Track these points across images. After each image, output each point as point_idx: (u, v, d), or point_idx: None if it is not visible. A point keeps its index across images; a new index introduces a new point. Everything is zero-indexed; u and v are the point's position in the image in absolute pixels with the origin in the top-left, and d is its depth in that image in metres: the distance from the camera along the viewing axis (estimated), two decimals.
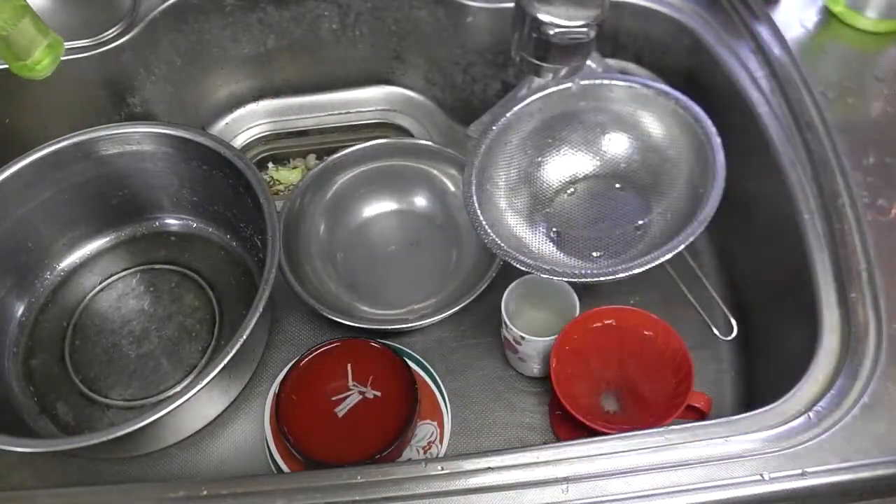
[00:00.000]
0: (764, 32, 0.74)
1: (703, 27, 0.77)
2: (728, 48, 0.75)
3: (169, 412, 0.57)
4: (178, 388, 0.71)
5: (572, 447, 0.51)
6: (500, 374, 0.71)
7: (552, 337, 0.63)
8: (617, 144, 0.72)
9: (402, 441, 0.62)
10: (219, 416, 0.69)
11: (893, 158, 0.64)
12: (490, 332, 0.73)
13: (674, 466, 0.50)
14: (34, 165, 0.71)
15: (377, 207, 0.82)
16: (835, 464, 0.49)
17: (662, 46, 0.81)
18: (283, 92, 0.95)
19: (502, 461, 0.50)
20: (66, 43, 0.76)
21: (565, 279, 0.62)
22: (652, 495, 0.49)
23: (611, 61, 0.83)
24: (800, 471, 0.49)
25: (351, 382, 0.66)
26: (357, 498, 0.49)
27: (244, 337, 0.60)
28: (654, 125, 0.69)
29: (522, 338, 0.64)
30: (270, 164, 0.97)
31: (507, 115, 0.69)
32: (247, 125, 0.96)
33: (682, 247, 0.59)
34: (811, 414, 0.51)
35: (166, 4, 0.81)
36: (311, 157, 0.97)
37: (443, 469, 0.50)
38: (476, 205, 0.66)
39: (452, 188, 0.81)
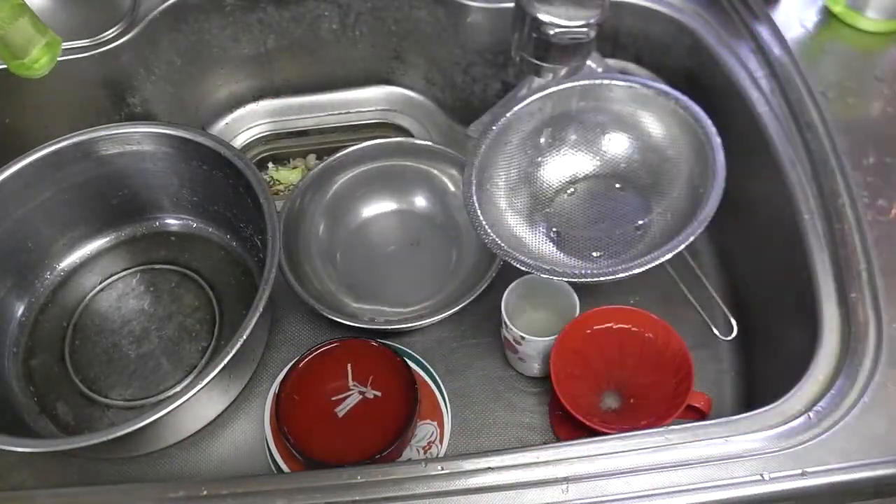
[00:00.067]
0: (764, 32, 0.74)
1: (703, 27, 0.77)
2: (728, 48, 0.75)
3: (169, 412, 0.57)
4: (178, 388, 0.71)
5: (572, 447, 0.51)
6: (500, 374, 0.71)
7: (552, 337, 0.63)
8: (617, 144, 0.72)
9: (402, 441, 0.62)
10: (219, 416, 0.69)
11: (893, 158, 0.64)
12: (490, 332, 0.73)
13: (674, 466, 0.50)
14: (34, 165, 0.71)
15: (377, 207, 0.82)
16: (835, 464, 0.49)
17: (662, 46, 0.81)
18: (283, 92, 0.95)
19: (502, 461, 0.50)
20: (65, 43, 0.77)
21: (565, 279, 0.62)
22: (652, 495, 0.49)
23: (611, 61, 0.83)
24: (800, 471, 0.49)
25: (351, 382, 0.66)
26: (357, 498, 0.49)
27: (244, 337, 0.60)
28: (654, 125, 0.69)
29: (522, 338, 0.64)
30: (270, 164, 0.97)
31: (507, 115, 0.69)
32: (247, 125, 0.96)
33: (682, 247, 0.59)
34: (811, 414, 0.51)
35: (166, 4, 0.81)
36: (311, 157, 0.97)
37: (443, 469, 0.50)
38: (476, 205, 0.66)
39: (452, 188, 0.81)
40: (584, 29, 0.68)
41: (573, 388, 0.62)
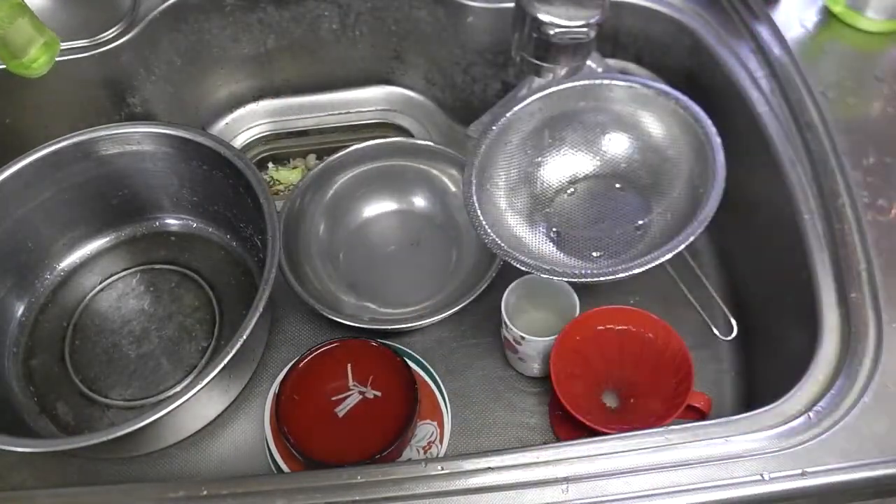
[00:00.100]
0: (764, 32, 0.74)
1: (703, 27, 0.77)
2: (728, 48, 0.75)
3: (169, 412, 0.57)
4: (178, 388, 0.71)
5: (572, 447, 0.51)
6: (500, 374, 0.71)
7: (552, 337, 0.63)
8: (617, 144, 0.72)
9: (402, 441, 0.62)
10: (219, 416, 0.69)
11: (893, 158, 0.64)
12: (490, 332, 0.73)
13: (674, 466, 0.50)
14: (34, 165, 0.71)
15: (377, 207, 0.82)
16: (835, 464, 0.49)
17: (662, 46, 0.81)
18: (283, 92, 0.95)
19: (502, 461, 0.50)
20: (66, 43, 0.77)
21: (565, 279, 0.62)
22: (652, 495, 0.49)
23: (611, 61, 0.83)
24: (800, 471, 0.49)
25: (351, 382, 0.66)
26: (357, 498, 0.49)
27: (244, 337, 0.60)
28: (654, 125, 0.69)
29: (522, 338, 0.64)
30: (270, 164, 0.97)
31: (507, 115, 0.69)
32: (247, 125, 0.96)
33: (682, 247, 0.59)
34: (811, 414, 0.51)
35: (166, 4, 0.81)
36: (311, 157, 0.97)
37: (443, 469, 0.50)
38: (476, 205, 0.66)
39: (452, 188, 0.81)
40: (584, 29, 0.68)
41: (573, 388, 0.62)
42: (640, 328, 0.64)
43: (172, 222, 0.82)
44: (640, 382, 0.65)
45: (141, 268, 0.80)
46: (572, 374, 0.63)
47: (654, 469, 0.50)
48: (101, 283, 0.79)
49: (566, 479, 0.49)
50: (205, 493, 0.50)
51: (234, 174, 0.71)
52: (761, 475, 0.49)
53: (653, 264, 0.59)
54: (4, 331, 0.74)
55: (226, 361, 0.59)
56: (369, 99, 0.96)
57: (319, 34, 0.88)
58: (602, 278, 0.60)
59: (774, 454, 0.50)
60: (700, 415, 0.61)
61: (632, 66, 0.84)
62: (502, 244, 0.64)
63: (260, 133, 0.96)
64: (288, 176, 0.95)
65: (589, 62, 0.73)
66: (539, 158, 0.72)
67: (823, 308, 0.56)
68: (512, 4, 0.70)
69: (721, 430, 0.51)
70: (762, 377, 0.68)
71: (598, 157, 0.72)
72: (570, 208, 0.72)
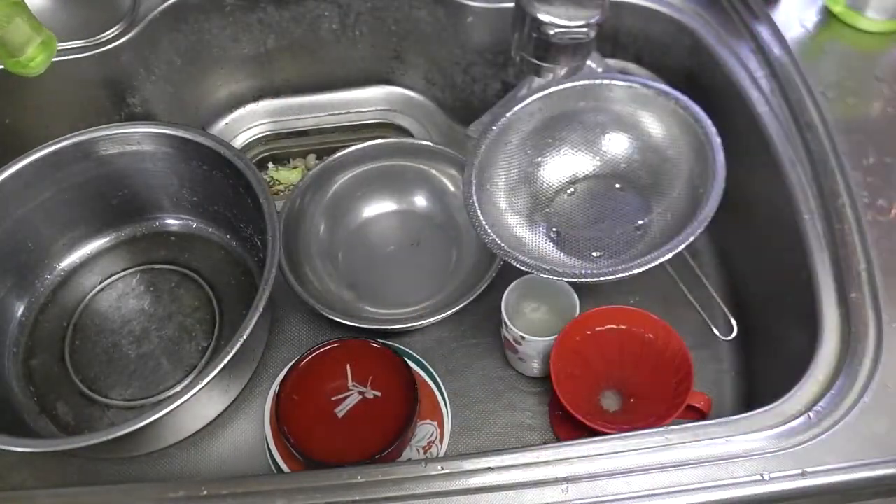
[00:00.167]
0: (764, 32, 0.74)
1: (703, 27, 0.77)
2: (728, 48, 0.75)
3: (169, 412, 0.57)
4: (178, 388, 0.71)
5: (572, 447, 0.51)
6: (500, 374, 0.71)
7: (552, 337, 0.63)
8: (617, 144, 0.72)
9: (402, 441, 0.62)
10: (219, 416, 0.69)
11: (893, 158, 0.64)
12: (490, 332, 0.73)
13: (674, 466, 0.50)
14: (34, 165, 0.71)
15: (377, 207, 0.82)
16: (835, 464, 0.49)
17: (662, 46, 0.81)
18: (283, 92, 0.95)
19: (502, 461, 0.50)
20: (66, 43, 0.77)
21: (565, 279, 0.62)
22: (652, 495, 0.49)
23: (611, 61, 0.83)
24: (800, 471, 0.49)
25: (351, 382, 0.66)
26: (357, 498, 0.49)
27: (244, 337, 0.60)
28: (654, 125, 0.69)
29: (522, 338, 0.64)
30: (270, 164, 0.97)
31: (507, 115, 0.69)
32: (247, 125, 0.96)
33: (682, 247, 0.59)
34: (811, 414, 0.51)
35: (166, 4, 0.81)
36: (311, 157, 0.97)
37: (443, 469, 0.50)
38: (476, 205, 0.66)
39: (452, 188, 0.81)
40: (584, 29, 0.68)
41: (573, 388, 0.62)
42: (640, 328, 0.64)
43: (172, 222, 0.82)
44: (640, 382, 0.65)
45: (141, 268, 0.80)
46: (572, 374, 0.63)
47: (654, 469, 0.50)
48: (101, 283, 0.79)
49: (566, 479, 0.49)
50: (205, 493, 0.50)
51: (234, 174, 0.71)
52: (761, 475, 0.49)
53: (653, 264, 0.59)
54: (4, 331, 0.74)
55: (226, 361, 0.59)
56: (369, 99, 0.96)
57: (319, 34, 0.88)
58: (602, 278, 0.60)
59: (774, 454, 0.50)
60: (700, 415, 0.61)
61: (632, 66, 0.84)
62: (502, 244, 0.64)
63: (260, 133, 0.96)
64: (288, 176, 0.95)
65: (589, 62, 0.73)
66: (539, 158, 0.72)
67: (823, 308, 0.56)
68: (512, 4, 0.70)
69: (721, 430, 0.51)
70: (762, 377, 0.68)
71: (598, 157, 0.72)
72: (570, 208, 0.72)
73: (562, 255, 0.68)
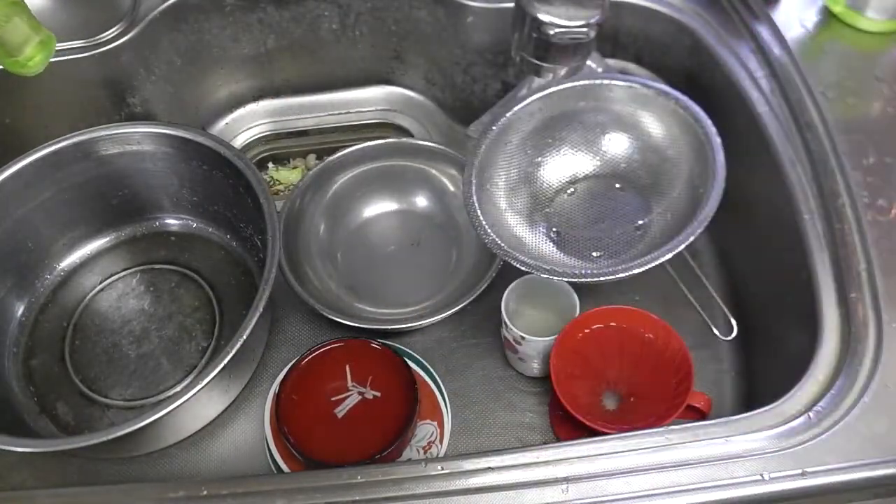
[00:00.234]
0: (764, 32, 0.74)
1: (703, 27, 0.77)
2: (728, 48, 0.75)
3: (169, 412, 0.57)
4: (178, 388, 0.71)
5: (572, 447, 0.51)
6: (500, 374, 0.71)
7: (552, 337, 0.63)
8: (617, 144, 0.72)
9: (402, 441, 0.62)
10: (219, 416, 0.69)
11: (893, 158, 0.64)
12: (490, 332, 0.73)
13: (674, 466, 0.50)
14: (34, 165, 0.71)
15: (377, 207, 0.82)
16: (835, 464, 0.49)
17: (662, 46, 0.81)
18: (283, 92, 0.95)
19: (502, 461, 0.50)
20: (66, 43, 0.77)
21: (565, 279, 0.62)
22: (652, 495, 0.49)
23: (611, 61, 0.83)
24: (800, 471, 0.49)
25: (351, 383, 0.66)
26: (357, 498, 0.49)
27: (244, 337, 0.60)
28: (654, 125, 0.69)
29: (522, 338, 0.64)
30: (270, 164, 0.97)
31: (507, 115, 0.69)
32: (247, 125, 0.96)
33: (682, 247, 0.59)
34: (811, 414, 0.51)
35: (166, 4, 0.81)
36: (311, 157, 0.97)
37: (443, 469, 0.50)
38: (476, 205, 0.66)
39: (452, 188, 0.81)
40: (584, 29, 0.68)
41: (573, 388, 0.62)
42: (640, 328, 0.64)
43: (172, 222, 0.82)
44: (640, 382, 0.65)
45: (141, 268, 0.80)
46: (572, 374, 0.63)
47: (654, 469, 0.50)
48: (101, 283, 0.79)
49: (566, 479, 0.49)
50: (205, 493, 0.50)
51: (234, 174, 0.71)
52: (761, 475, 0.49)
53: (653, 264, 0.59)
54: (4, 331, 0.74)
55: (226, 361, 0.59)
56: (369, 99, 0.96)
57: (319, 34, 0.88)
58: (602, 278, 0.60)
59: (774, 454, 0.50)
60: (700, 415, 0.61)
61: (632, 66, 0.84)
62: (502, 244, 0.64)
63: (260, 133, 0.96)
64: (288, 176, 0.95)
65: (589, 62, 0.73)
66: (539, 158, 0.72)
67: (823, 308, 0.56)
68: (512, 4, 0.70)
69: (721, 430, 0.51)
70: (762, 377, 0.68)
71: (597, 157, 0.72)
72: (570, 208, 0.72)
73: (562, 255, 0.68)
